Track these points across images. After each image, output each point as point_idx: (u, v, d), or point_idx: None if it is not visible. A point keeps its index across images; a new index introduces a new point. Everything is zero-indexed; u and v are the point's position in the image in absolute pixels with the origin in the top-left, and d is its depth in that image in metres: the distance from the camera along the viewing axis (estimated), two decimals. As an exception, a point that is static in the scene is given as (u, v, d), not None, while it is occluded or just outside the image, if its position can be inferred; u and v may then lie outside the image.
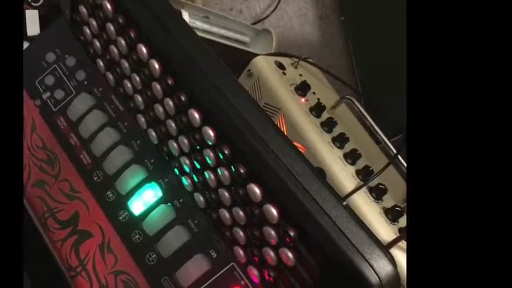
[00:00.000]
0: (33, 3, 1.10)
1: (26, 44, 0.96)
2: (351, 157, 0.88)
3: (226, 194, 0.63)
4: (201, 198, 0.68)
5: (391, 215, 0.82)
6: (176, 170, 0.71)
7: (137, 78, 0.69)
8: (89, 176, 0.76)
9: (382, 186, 0.85)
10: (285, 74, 0.98)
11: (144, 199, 0.72)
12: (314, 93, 0.98)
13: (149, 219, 0.71)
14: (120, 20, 0.68)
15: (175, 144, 0.68)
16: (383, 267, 0.53)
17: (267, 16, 1.41)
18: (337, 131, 0.91)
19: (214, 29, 1.26)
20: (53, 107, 0.81)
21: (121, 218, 0.73)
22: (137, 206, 0.73)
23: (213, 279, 0.67)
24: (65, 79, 0.81)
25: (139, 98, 0.71)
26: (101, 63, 0.77)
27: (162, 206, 0.71)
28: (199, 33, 1.17)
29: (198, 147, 0.64)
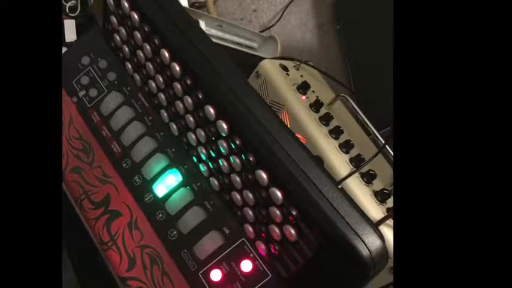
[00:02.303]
0: (70, 14, 1.10)
1: (64, 49, 0.97)
2: (345, 147, 0.87)
3: (238, 178, 0.63)
4: (216, 182, 0.68)
5: (380, 196, 0.82)
6: (194, 158, 0.71)
7: (160, 79, 0.69)
8: (118, 163, 0.76)
9: (372, 172, 0.84)
10: (288, 75, 0.98)
11: (167, 183, 0.73)
12: (313, 91, 0.97)
13: (171, 200, 0.71)
14: (146, 29, 0.68)
15: (193, 136, 0.68)
16: (373, 242, 0.53)
17: (273, 25, 1.41)
18: (333, 124, 0.91)
19: (227, 36, 1.25)
20: (87, 103, 0.81)
21: (146, 199, 0.73)
22: (160, 189, 0.73)
23: (226, 252, 0.67)
24: (98, 79, 0.81)
25: (162, 96, 0.71)
26: (129, 66, 0.77)
27: (182, 189, 0.71)
28: (214, 40, 1.17)
29: (213, 138, 0.64)
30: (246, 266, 0.66)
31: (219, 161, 0.65)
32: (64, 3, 1.10)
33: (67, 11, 1.11)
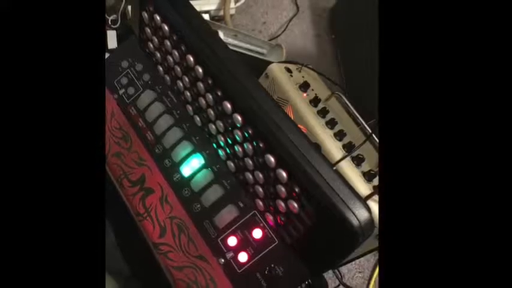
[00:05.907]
0: (112, 26, 1.11)
1: (107, 55, 0.97)
2: (339, 135, 0.87)
3: (250, 161, 0.63)
4: (232, 165, 0.68)
5: (368, 176, 0.82)
6: (214, 145, 0.71)
7: (186, 79, 0.70)
8: (152, 149, 0.76)
9: (361, 156, 0.84)
10: (292, 76, 0.98)
11: (192, 165, 0.73)
12: (313, 90, 0.97)
13: (195, 179, 0.72)
14: (174, 38, 0.68)
15: (213, 126, 0.68)
16: (362, 214, 0.53)
17: (279, 35, 1.40)
18: (329, 117, 0.90)
19: (241, 44, 1.25)
20: (126, 99, 0.81)
21: (175, 179, 0.73)
22: (186, 170, 0.73)
23: (240, 222, 0.67)
24: (135, 80, 0.81)
25: (188, 93, 0.71)
26: (161, 68, 0.77)
27: (204, 170, 0.71)
28: (231, 47, 1.17)
29: (230, 128, 0.64)
30: (257, 233, 0.66)
31: (235, 147, 0.65)
32: (107, 17, 1.11)
33: (109, 23, 1.11)
